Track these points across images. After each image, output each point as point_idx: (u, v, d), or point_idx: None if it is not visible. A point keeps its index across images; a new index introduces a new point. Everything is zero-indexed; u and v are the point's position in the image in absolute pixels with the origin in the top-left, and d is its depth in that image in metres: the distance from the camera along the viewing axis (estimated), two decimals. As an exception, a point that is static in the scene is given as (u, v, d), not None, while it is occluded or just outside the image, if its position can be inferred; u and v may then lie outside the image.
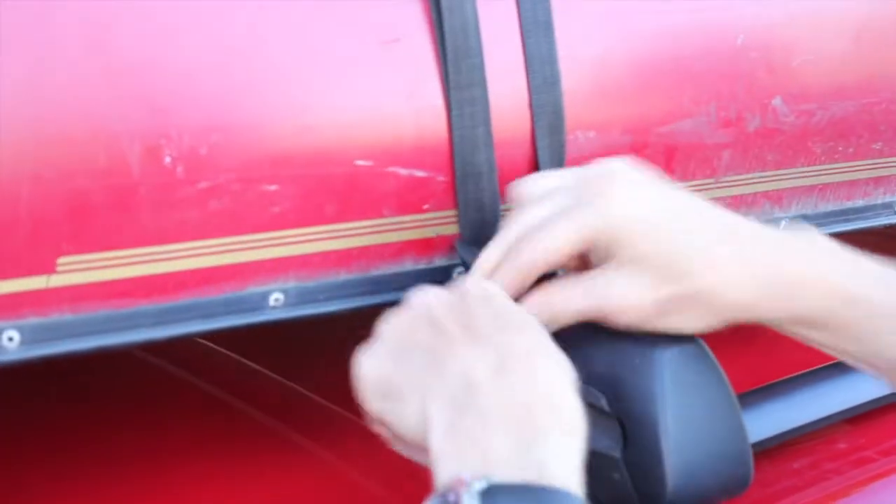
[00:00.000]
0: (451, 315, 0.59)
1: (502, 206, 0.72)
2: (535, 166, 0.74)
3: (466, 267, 0.71)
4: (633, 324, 0.63)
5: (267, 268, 0.65)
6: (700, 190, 0.83)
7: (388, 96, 0.68)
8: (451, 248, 0.72)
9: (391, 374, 0.58)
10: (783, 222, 0.89)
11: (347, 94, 0.67)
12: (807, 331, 0.64)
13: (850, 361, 0.67)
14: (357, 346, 0.60)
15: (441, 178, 0.70)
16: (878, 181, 0.95)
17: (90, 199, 0.59)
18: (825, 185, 0.91)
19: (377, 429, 0.61)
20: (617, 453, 0.62)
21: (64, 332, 0.59)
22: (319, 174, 0.66)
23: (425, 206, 0.70)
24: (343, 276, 0.68)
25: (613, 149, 0.77)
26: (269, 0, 0.64)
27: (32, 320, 0.58)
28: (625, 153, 0.77)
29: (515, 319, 0.59)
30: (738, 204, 0.85)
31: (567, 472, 0.51)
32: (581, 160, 0.76)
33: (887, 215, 0.96)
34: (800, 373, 0.86)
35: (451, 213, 0.72)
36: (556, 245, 0.62)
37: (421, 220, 0.71)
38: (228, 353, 0.95)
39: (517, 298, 0.63)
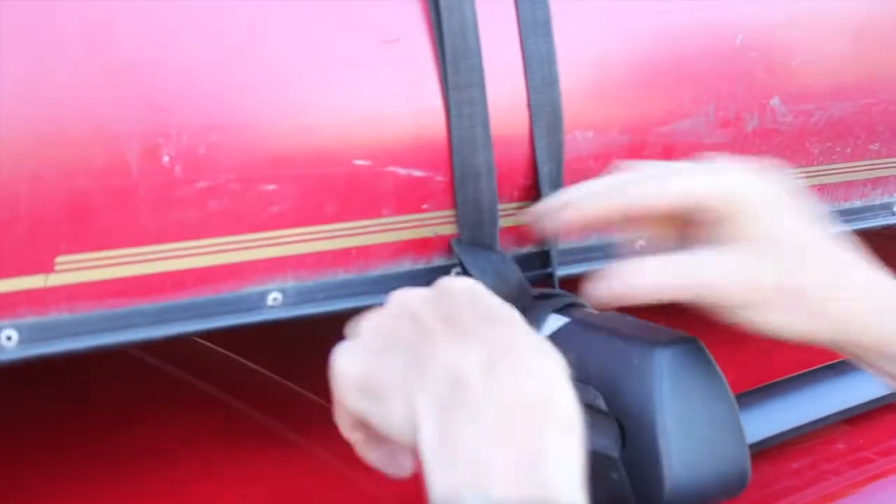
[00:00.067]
0: (431, 310, 0.57)
1: (500, 206, 0.72)
2: (533, 166, 0.74)
3: (464, 267, 0.71)
4: (726, 307, 0.60)
5: (265, 267, 0.65)
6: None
7: (387, 96, 0.68)
8: (450, 248, 0.72)
9: (372, 372, 0.56)
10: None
11: (346, 94, 0.67)
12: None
13: None
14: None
15: (440, 178, 0.71)
16: (875, 182, 0.95)
17: (88, 199, 0.59)
18: (823, 186, 0.91)
19: (350, 435, 0.59)
20: (615, 453, 0.62)
21: (62, 332, 0.59)
22: (318, 174, 0.66)
23: (424, 206, 0.70)
24: (341, 275, 0.68)
25: (612, 149, 0.77)
26: (267, 0, 0.64)
27: (30, 319, 0.58)
28: (623, 153, 0.78)
29: (499, 313, 0.57)
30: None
31: (570, 483, 0.49)
32: (579, 160, 0.76)
33: (885, 216, 0.97)
34: (798, 373, 0.86)
35: (450, 212, 0.72)
36: (664, 191, 0.59)
37: (419, 220, 0.71)
38: (226, 352, 0.95)
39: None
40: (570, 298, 0.70)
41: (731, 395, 0.64)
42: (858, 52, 0.91)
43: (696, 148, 0.82)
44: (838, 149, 0.91)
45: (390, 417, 0.55)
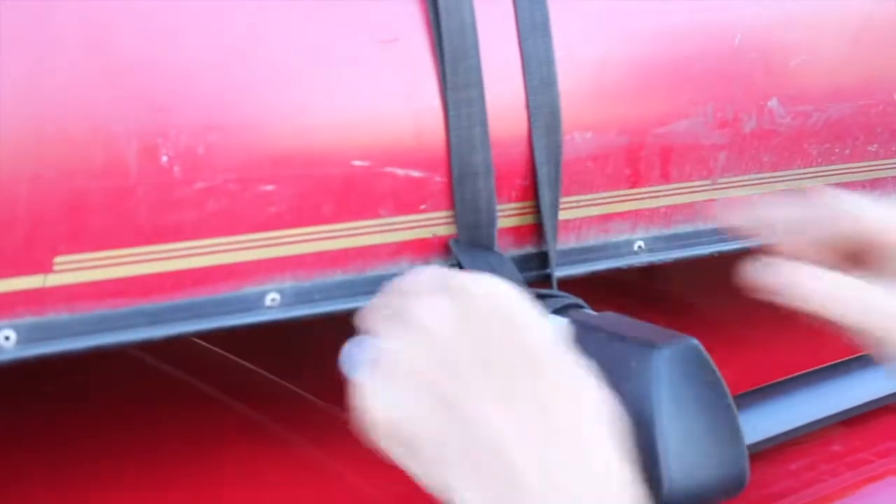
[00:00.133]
0: (457, 340, 0.52)
1: (499, 207, 0.72)
2: (531, 167, 0.74)
3: (462, 268, 0.71)
4: (881, 341, 0.59)
5: (263, 268, 0.65)
6: (696, 192, 0.83)
7: (386, 97, 0.68)
8: (448, 249, 0.72)
9: (406, 424, 0.52)
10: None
11: (345, 95, 0.67)
12: None
13: None
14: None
15: (438, 179, 0.70)
16: (873, 183, 0.95)
17: (87, 199, 0.59)
18: (821, 188, 0.91)
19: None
20: (613, 454, 0.62)
21: (60, 332, 0.59)
22: (316, 174, 0.66)
23: (422, 207, 0.70)
24: (339, 276, 0.68)
25: (610, 149, 0.77)
26: (266, 0, 0.64)
27: (29, 319, 0.58)
28: (621, 154, 0.78)
29: (540, 342, 0.53)
30: (735, 206, 0.85)
31: None
32: (578, 161, 0.76)
33: (883, 217, 0.97)
34: (796, 375, 0.86)
35: (448, 213, 0.72)
36: (865, 211, 0.60)
37: (418, 221, 0.71)
38: (225, 353, 0.95)
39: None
40: (568, 299, 0.70)
41: (730, 396, 0.64)
42: (856, 54, 0.91)
43: (694, 149, 0.82)
44: (836, 150, 0.91)
45: (429, 478, 0.51)
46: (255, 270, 0.65)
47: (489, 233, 0.73)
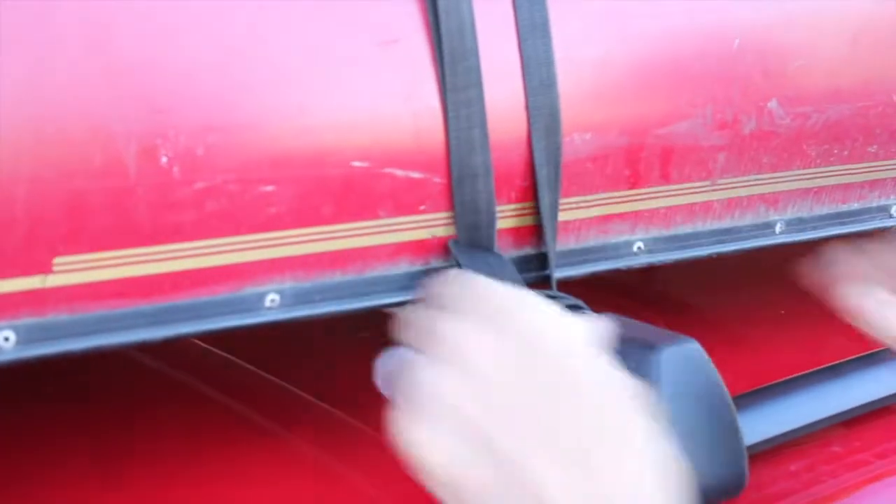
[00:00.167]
0: (505, 383, 0.51)
1: (498, 208, 0.72)
2: (531, 168, 0.74)
3: (461, 269, 0.71)
4: None
5: (263, 269, 0.65)
6: (696, 192, 0.83)
7: (385, 98, 0.68)
8: (447, 250, 0.72)
9: (457, 471, 0.51)
10: (778, 225, 0.89)
11: (344, 95, 0.67)
12: None
13: None
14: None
15: (437, 180, 0.71)
16: (873, 184, 0.95)
17: (86, 199, 0.58)
18: (820, 188, 0.91)
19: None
20: (613, 455, 0.62)
21: (60, 333, 0.59)
22: (316, 175, 0.66)
23: (421, 208, 0.70)
24: (339, 277, 0.68)
25: (610, 150, 0.77)
26: (266, 0, 0.64)
27: (28, 320, 0.58)
28: (621, 155, 0.78)
29: (585, 378, 0.51)
30: (734, 206, 0.86)
31: None
32: (577, 162, 0.76)
33: (882, 218, 0.97)
34: (796, 375, 0.86)
35: (448, 214, 0.72)
36: None
37: (417, 222, 0.71)
38: (224, 353, 0.95)
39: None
40: (568, 300, 0.70)
41: (729, 396, 0.64)
42: (856, 55, 0.91)
43: (694, 150, 0.82)
44: (835, 151, 0.91)
45: None
46: (255, 271, 0.65)
47: (489, 234, 0.73)
